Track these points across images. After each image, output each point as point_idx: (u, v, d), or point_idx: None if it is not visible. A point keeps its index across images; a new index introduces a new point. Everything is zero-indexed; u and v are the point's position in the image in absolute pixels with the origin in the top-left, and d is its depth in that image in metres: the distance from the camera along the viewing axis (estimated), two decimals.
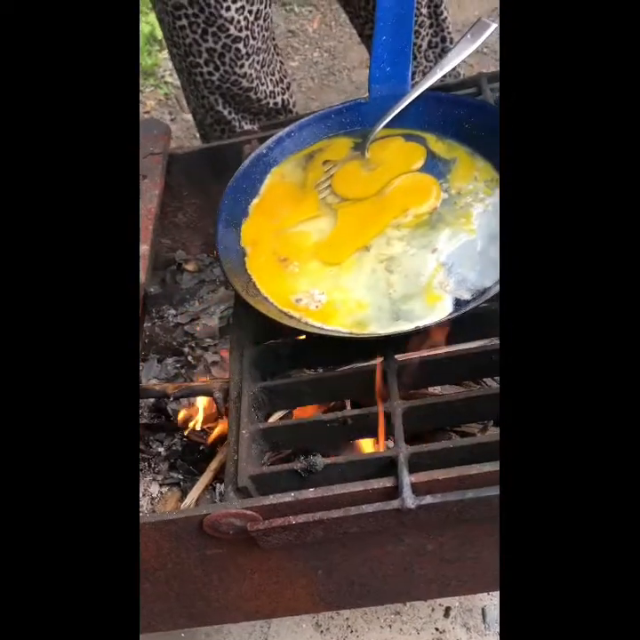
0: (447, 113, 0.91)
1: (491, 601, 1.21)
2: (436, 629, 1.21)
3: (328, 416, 0.73)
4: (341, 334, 0.75)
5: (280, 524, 0.67)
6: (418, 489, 0.66)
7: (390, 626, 1.23)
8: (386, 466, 0.69)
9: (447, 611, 1.21)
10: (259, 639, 1.24)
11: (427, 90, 0.91)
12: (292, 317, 0.78)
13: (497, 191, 0.85)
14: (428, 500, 0.65)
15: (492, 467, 0.65)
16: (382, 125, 0.91)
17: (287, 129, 0.95)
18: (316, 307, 0.78)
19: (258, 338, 0.82)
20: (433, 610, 1.21)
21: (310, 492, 0.68)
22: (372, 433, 0.74)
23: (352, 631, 1.24)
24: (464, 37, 0.90)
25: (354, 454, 0.70)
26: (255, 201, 0.91)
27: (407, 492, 0.65)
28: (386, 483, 0.67)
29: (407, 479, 0.66)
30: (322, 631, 1.24)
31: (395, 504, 0.65)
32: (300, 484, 0.71)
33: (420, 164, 0.89)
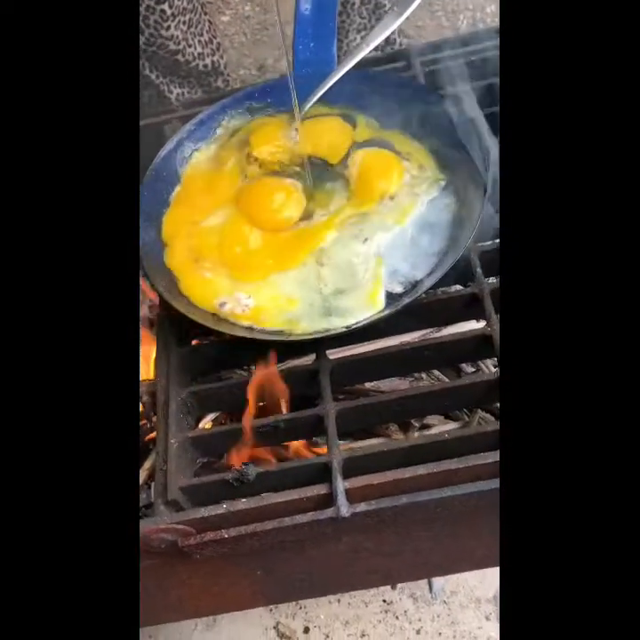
0: (375, 91, 0.87)
1: None
2: (384, 601, 1.23)
3: (260, 421, 0.71)
4: (270, 338, 0.72)
5: (212, 538, 0.65)
6: (352, 495, 0.65)
7: (339, 600, 1.24)
8: (320, 471, 0.67)
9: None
10: (208, 617, 1.25)
11: (353, 67, 0.86)
12: (219, 319, 0.75)
13: (429, 173, 0.82)
14: (363, 507, 0.64)
15: (426, 469, 0.64)
16: (308, 106, 0.86)
17: (208, 110, 0.89)
18: (243, 311, 0.75)
19: (184, 338, 0.78)
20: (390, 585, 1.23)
21: (242, 503, 0.66)
22: (306, 436, 0.72)
23: (301, 608, 1.25)
24: (389, 11, 0.85)
25: (286, 462, 0.68)
26: (177, 189, 0.86)
27: (341, 499, 0.64)
28: (320, 490, 0.65)
29: (341, 486, 0.65)
30: (271, 609, 1.25)
31: (329, 513, 0.64)
32: (233, 493, 0.69)
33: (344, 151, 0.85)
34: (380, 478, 0.65)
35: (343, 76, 0.85)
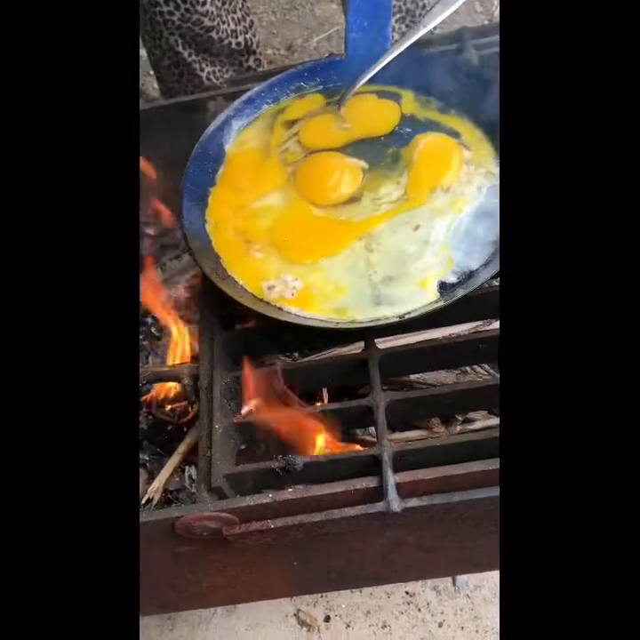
0: (425, 70, 0.84)
1: None
2: (406, 593, 1.22)
3: (307, 410, 0.69)
4: (320, 324, 0.70)
5: (257, 528, 0.64)
6: (402, 489, 0.63)
7: (360, 591, 1.23)
8: (369, 464, 0.65)
9: None
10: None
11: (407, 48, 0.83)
12: (266, 303, 0.73)
13: (488, 163, 0.79)
14: (414, 502, 0.62)
15: (479, 466, 0.62)
16: (359, 85, 0.84)
17: (257, 88, 0.87)
18: (292, 294, 0.73)
19: (228, 322, 0.76)
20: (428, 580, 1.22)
21: (289, 493, 0.64)
22: (354, 426, 0.70)
23: (322, 596, 1.24)
24: None
25: (335, 452, 0.66)
26: (222, 168, 0.84)
27: (392, 494, 0.62)
28: (369, 483, 0.64)
29: (392, 480, 0.63)
30: (292, 597, 1.24)
31: (379, 506, 0.62)
32: (278, 483, 0.67)
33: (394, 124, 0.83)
34: (431, 473, 0.63)
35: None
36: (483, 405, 0.77)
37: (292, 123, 0.87)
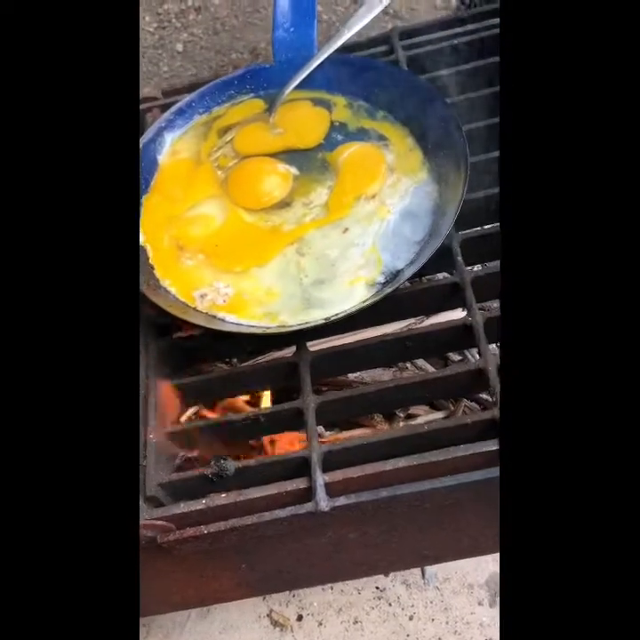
0: (356, 76, 0.85)
1: None
2: (377, 588, 1.23)
3: (239, 415, 0.70)
4: (247, 330, 0.71)
5: (192, 534, 0.65)
6: (333, 489, 0.64)
7: (331, 588, 1.24)
8: (300, 466, 0.66)
9: None
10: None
11: (334, 51, 0.84)
12: (197, 311, 0.74)
13: (415, 166, 0.80)
14: (342, 501, 0.63)
15: (407, 462, 0.63)
16: (289, 91, 0.85)
17: (187, 99, 0.88)
18: (223, 301, 0.74)
19: (164, 331, 0.77)
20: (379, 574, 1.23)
21: (222, 498, 0.65)
22: (287, 429, 0.71)
23: (294, 596, 1.25)
24: None
25: (265, 456, 0.67)
26: (154, 179, 0.85)
27: (321, 494, 0.63)
28: (299, 484, 0.65)
29: (321, 479, 0.64)
30: (264, 598, 1.25)
31: (308, 507, 0.63)
32: (214, 489, 0.68)
33: (322, 136, 0.84)
34: (360, 471, 0.64)
35: (324, 60, 0.84)
36: (416, 400, 0.78)
37: (227, 129, 0.88)
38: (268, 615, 1.24)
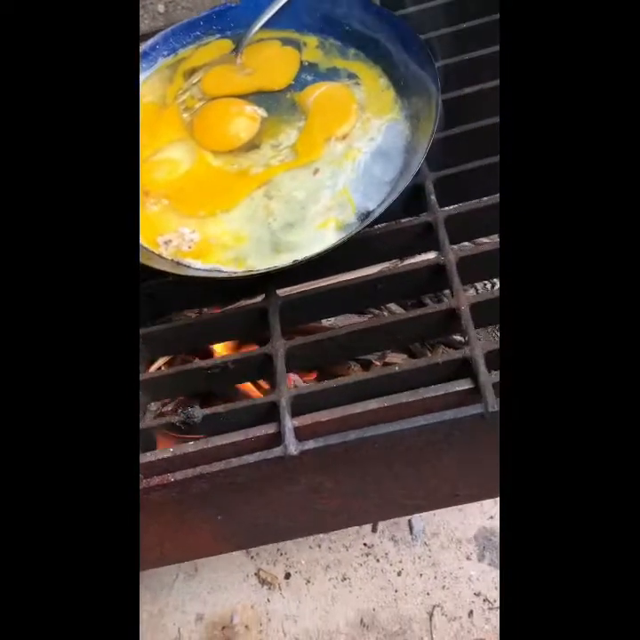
0: (326, 13, 0.82)
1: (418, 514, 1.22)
2: (365, 545, 1.23)
3: (207, 362, 0.68)
4: (214, 275, 0.69)
5: (159, 483, 0.63)
6: (302, 433, 0.63)
7: (319, 545, 1.24)
8: (269, 411, 0.65)
9: (374, 526, 1.22)
10: (188, 566, 1.25)
11: None
12: (162, 258, 0.71)
13: (387, 104, 0.78)
14: (311, 444, 0.62)
15: (376, 404, 0.62)
16: (255, 30, 0.82)
17: (151, 41, 0.84)
18: (189, 247, 0.72)
19: None
20: (360, 526, 1.22)
21: (189, 446, 0.64)
22: (257, 377, 0.69)
23: (282, 554, 1.25)
24: None
25: (234, 402, 0.66)
26: None
27: (289, 438, 0.62)
28: (268, 429, 0.63)
29: (289, 424, 0.62)
30: (252, 557, 1.25)
31: (277, 451, 0.62)
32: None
33: (292, 77, 0.81)
34: (329, 415, 0.62)
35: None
36: (388, 344, 0.77)
37: (193, 72, 0.85)
38: (255, 574, 1.24)
